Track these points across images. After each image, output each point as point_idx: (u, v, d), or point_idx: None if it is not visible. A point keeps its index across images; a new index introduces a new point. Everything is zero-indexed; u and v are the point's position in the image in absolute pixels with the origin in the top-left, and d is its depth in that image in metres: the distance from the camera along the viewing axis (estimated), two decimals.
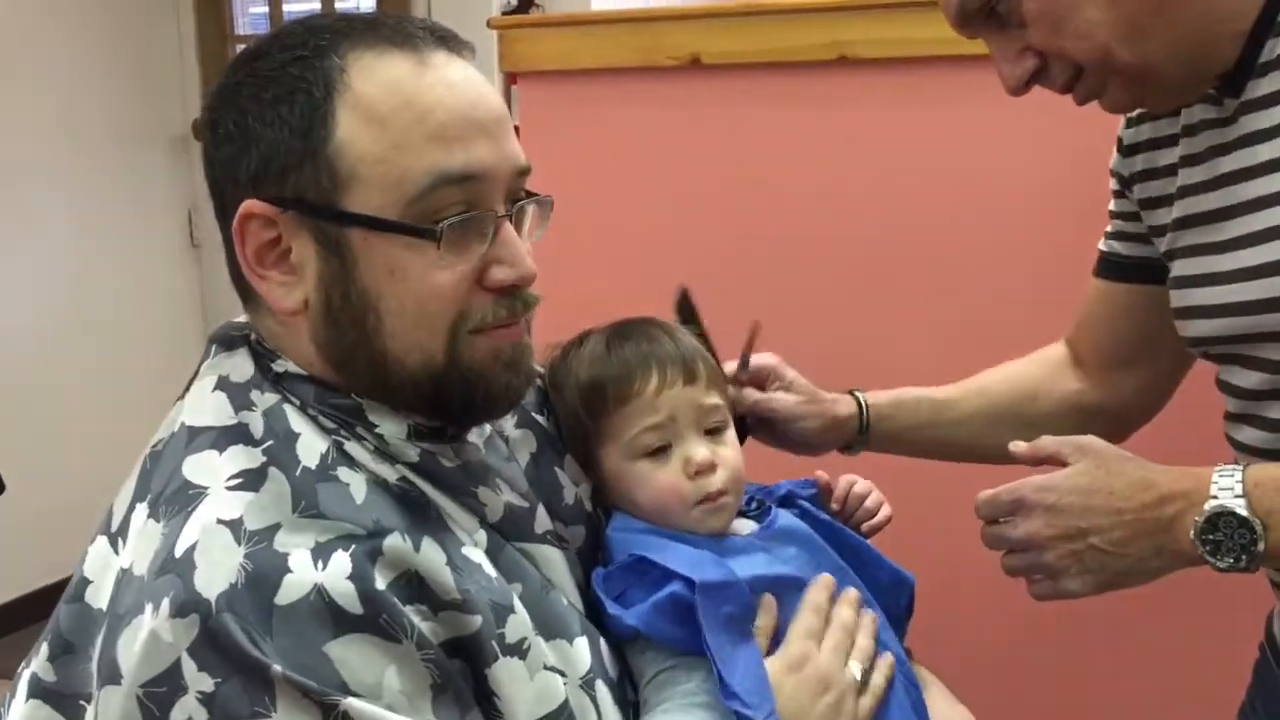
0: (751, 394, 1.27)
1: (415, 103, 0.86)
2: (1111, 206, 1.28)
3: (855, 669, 0.99)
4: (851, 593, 1.05)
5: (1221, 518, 0.94)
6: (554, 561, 0.97)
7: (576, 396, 1.08)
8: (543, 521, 0.98)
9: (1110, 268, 1.29)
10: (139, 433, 0.96)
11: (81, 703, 0.85)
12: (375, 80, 0.86)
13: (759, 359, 1.29)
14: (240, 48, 3.86)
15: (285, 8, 3.74)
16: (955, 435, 1.36)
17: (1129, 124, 1.22)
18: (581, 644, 0.93)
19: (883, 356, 1.88)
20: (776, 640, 1.00)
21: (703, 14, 2.02)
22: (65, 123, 3.52)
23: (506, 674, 0.85)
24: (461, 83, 0.89)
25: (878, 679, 1.01)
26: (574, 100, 2.08)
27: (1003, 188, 1.86)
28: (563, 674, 0.90)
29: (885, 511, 1.21)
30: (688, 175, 2.04)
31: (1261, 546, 0.93)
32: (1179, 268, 1.13)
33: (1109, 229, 1.29)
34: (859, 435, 1.33)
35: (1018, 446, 1.08)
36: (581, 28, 2.15)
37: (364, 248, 0.86)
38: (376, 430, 0.89)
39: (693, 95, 2.02)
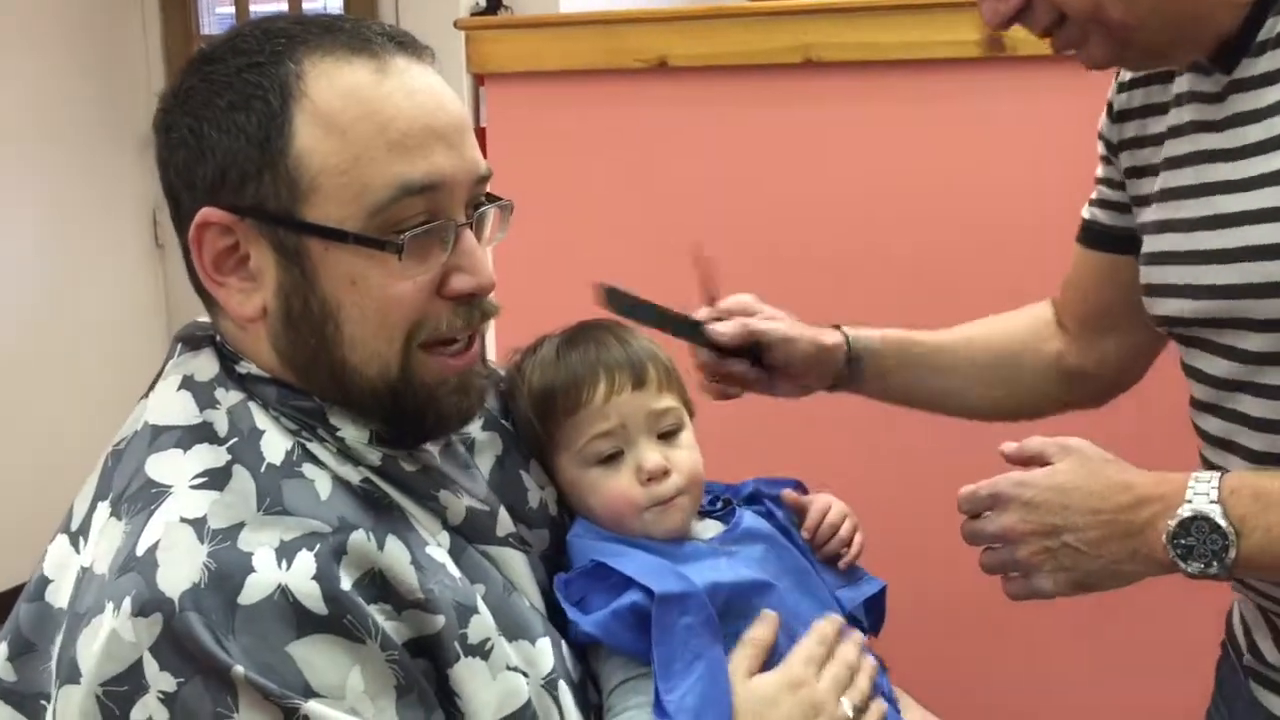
0: (738, 322, 1.26)
1: (376, 112, 0.85)
2: (1098, 172, 1.25)
3: (847, 706, 0.99)
4: (857, 635, 1.04)
5: (1194, 523, 0.93)
6: (515, 564, 0.97)
7: (529, 404, 1.07)
8: (505, 524, 0.98)
9: (1092, 236, 1.27)
10: (102, 432, 0.95)
11: (42, 702, 0.84)
12: (334, 88, 0.85)
13: (735, 299, 1.29)
14: None
15: (252, 8, 3.72)
16: (943, 384, 1.34)
17: (1120, 89, 1.18)
18: (544, 645, 0.93)
19: None
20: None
21: (670, 16, 2.03)
22: (29, 123, 3.48)
23: (468, 674, 0.85)
24: (422, 90, 0.87)
25: None
26: (541, 102, 2.08)
27: (969, 189, 1.88)
28: (525, 674, 0.90)
29: (858, 543, 1.17)
30: (655, 177, 2.05)
31: (1233, 554, 0.92)
32: (1150, 243, 1.11)
33: (1093, 195, 1.26)
34: (845, 368, 1.30)
35: (1007, 447, 1.08)
36: (549, 29, 2.15)
37: (324, 257, 0.86)
38: (338, 434, 0.89)
39: (660, 97, 2.03)
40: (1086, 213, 1.28)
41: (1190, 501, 0.93)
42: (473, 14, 2.50)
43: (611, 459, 1.05)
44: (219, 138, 0.85)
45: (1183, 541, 0.93)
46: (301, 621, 0.78)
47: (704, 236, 2.05)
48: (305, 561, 0.79)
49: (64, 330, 3.60)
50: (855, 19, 1.88)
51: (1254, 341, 1.00)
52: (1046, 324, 1.36)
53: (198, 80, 0.87)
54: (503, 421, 1.08)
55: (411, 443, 0.93)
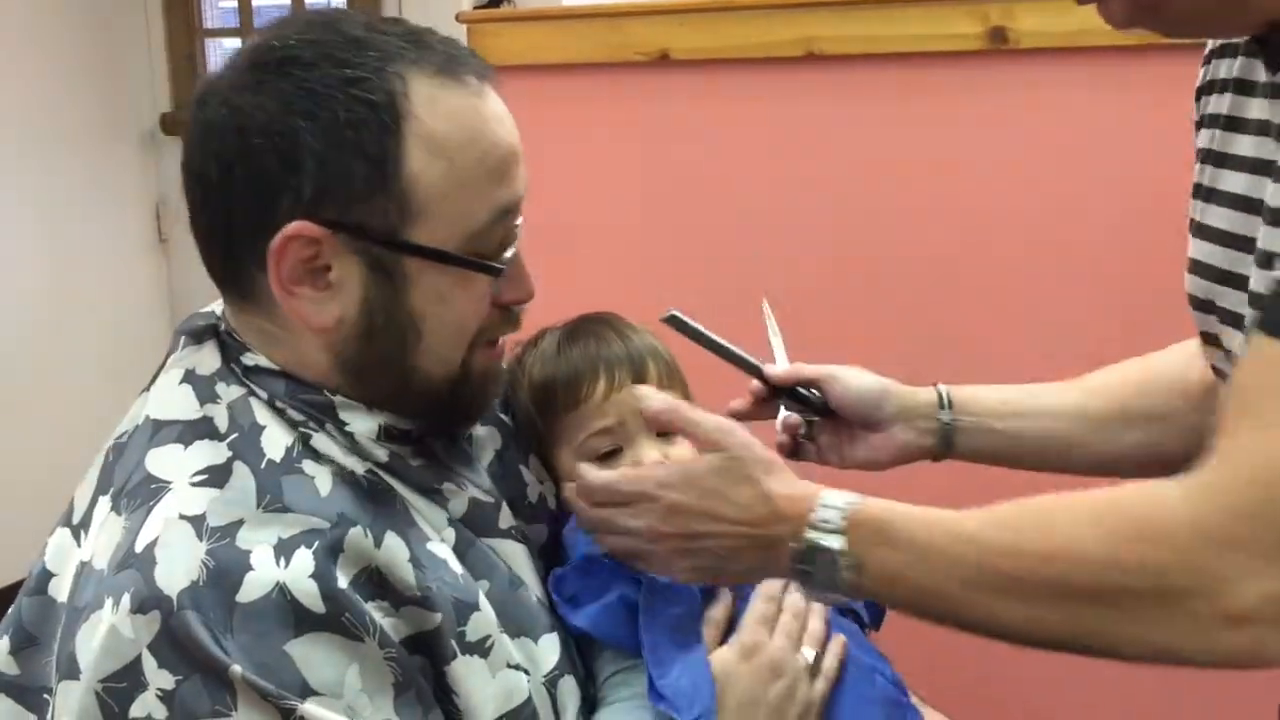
0: (794, 364, 1.17)
1: (478, 140, 0.87)
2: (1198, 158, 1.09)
3: (808, 654, 0.99)
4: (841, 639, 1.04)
5: (816, 552, 0.86)
6: (517, 556, 0.97)
7: (529, 398, 1.07)
8: (506, 517, 0.98)
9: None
10: (104, 427, 0.95)
11: (45, 695, 0.84)
12: (439, 112, 0.85)
13: (814, 368, 1.18)
14: (209, 42, 3.84)
15: (254, 2, 3.72)
16: (1053, 429, 1.16)
17: (1204, 62, 1.04)
18: (547, 641, 0.94)
19: (846, 348, 1.89)
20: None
21: (672, 9, 2.02)
22: (32, 117, 3.48)
23: (466, 671, 0.85)
24: (504, 115, 0.90)
25: (829, 661, 1.01)
26: (543, 95, 2.08)
27: (971, 182, 1.88)
28: (526, 672, 0.90)
29: None
30: (657, 170, 2.05)
31: (848, 582, 0.86)
32: (1191, 210, 1.02)
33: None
34: (941, 426, 1.15)
35: (735, 404, 1.04)
36: (551, 22, 2.15)
37: (418, 275, 0.86)
38: (346, 428, 0.89)
39: (662, 90, 2.03)
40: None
41: (814, 526, 0.87)
42: (475, 7, 2.49)
43: (610, 455, 1.04)
44: (326, 151, 0.83)
45: (801, 567, 0.88)
46: (299, 620, 0.78)
47: (705, 229, 2.06)
48: (303, 559, 0.80)
49: (67, 324, 3.61)
50: (857, 12, 1.88)
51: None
52: (1192, 351, 1.12)
53: (288, 85, 0.84)
54: (501, 416, 1.08)
55: (419, 434, 0.93)
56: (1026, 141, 1.83)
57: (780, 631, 1.00)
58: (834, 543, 0.86)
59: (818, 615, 1.02)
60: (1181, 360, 1.16)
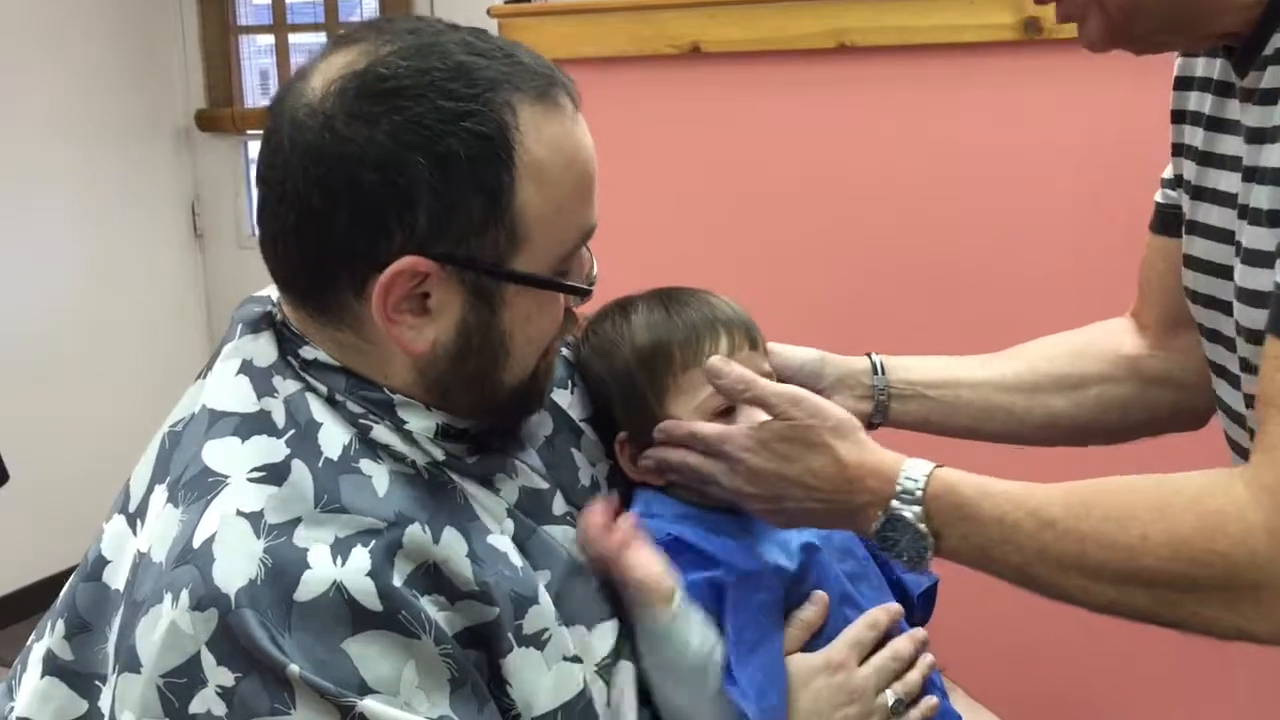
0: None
1: (572, 164, 0.88)
2: (1172, 151, 1.14)
3: (890, 697, 0.99)
4: (920, 633, 1.04)
5: (899, 522, 0.92)
6: (573, 541, 0.98)
7: (634, 360, 1.07)
8: (560, 504, 0.99)
9: (1165, 221, 1.15)
10: (143, 422, 0.96)
11: (97, 683, 0.85)
12: (542, 141, 0.85)
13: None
14: (243, 39, 3.86)
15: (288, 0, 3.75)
16: (990, 400, 1.19)
17: (1181, 55, 1.10)
18: (603, 629, 0.94)
19: (882, 344, 1.88)
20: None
21: (703, 2, 2.02)
22: (68, 115, 3.52)
23: (522, 662, 0.86)
24: (588, 135, 0.90)
25: (914, 715, 1.00)
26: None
27: (1003, 175, 1.86)
28: (578, 660, 0.90)
29: None
30: (688, 163, 2.04)
31: (930, 555, 0.92)
32: (1186, 209, 1.06)
33: (1164, 175, 1.17)
34: (875, 392, 1.18)
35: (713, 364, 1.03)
36: (582, 16, 2.15)
37: (514, 299, 0.87)
38: (405, 426, 0.89)
39: (693, 83, 2.03)
40: (1159, 196, 1.18)
41: (896, 498, 0.92)
42: (506, 1, 2.50)
43: (726, 413, 1.04)
44: (442, 187, 0.82)
45: (889, 535, 0.93)
46: (356, 618, 0.78)
47: (737, 222, 2.06)
48: (360, 557, 0.80)
49: (104, 321, 3.64)
50: (889, 3, 1.87)
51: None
52: (1120, 328, 1.23)
53: (399, 118, 0.82)
54: (552, 398, 1.07)
55: (477, 431, 0.94)
56: (1063, 132, 1.82)
57: (872, 664, 1.00)
58: (914, 514, 0.91)
59: (920, 669, 1.02)
60: (1116, 330, 1.22)
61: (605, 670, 0.92)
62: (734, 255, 2.02)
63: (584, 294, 0.92)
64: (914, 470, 0.92)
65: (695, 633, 0.95)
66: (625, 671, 0.94)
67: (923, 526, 0.91)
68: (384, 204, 0.82)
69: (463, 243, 0.84)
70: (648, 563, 0.95)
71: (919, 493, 0.91)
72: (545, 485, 0.97)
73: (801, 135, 1.97)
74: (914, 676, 1.01)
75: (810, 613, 1.02)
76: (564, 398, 1.08)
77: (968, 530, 0.90)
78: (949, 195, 1.89)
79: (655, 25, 2.02)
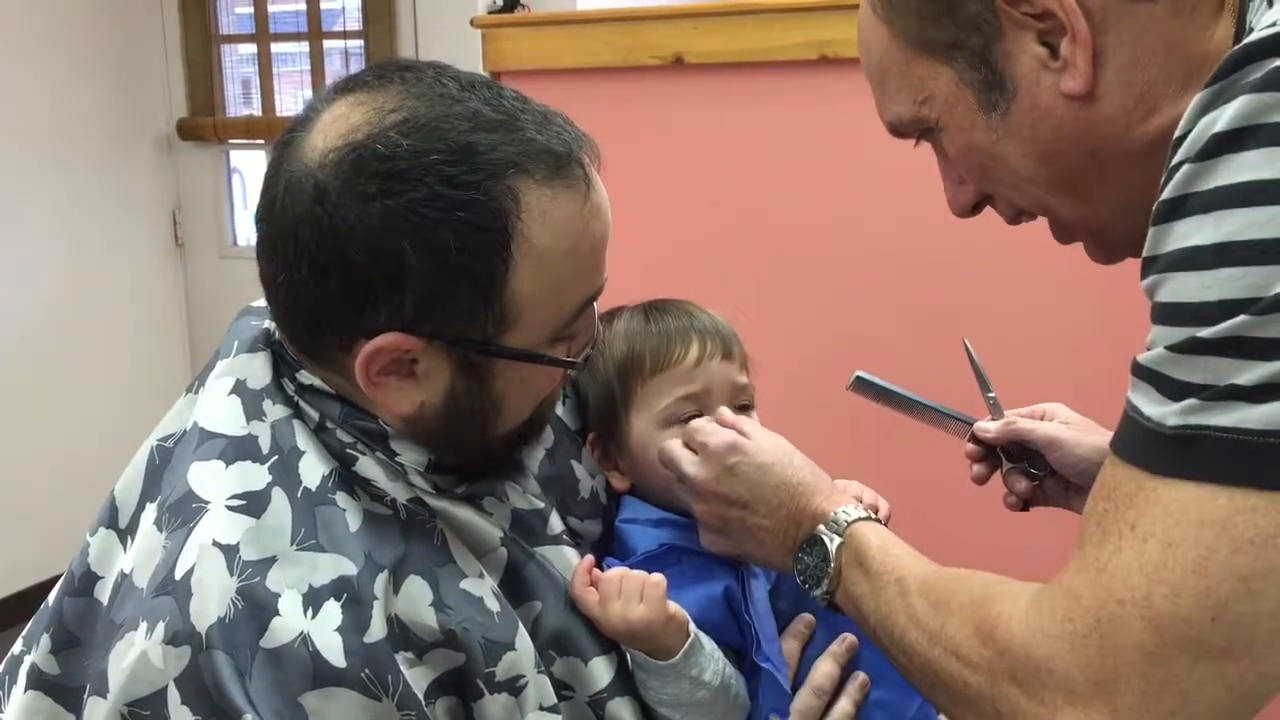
0: (1004, 421, 1.13)
1: (579, 245, 0.85)
2: None
3: None
4: (860, 678, 1.03)
5: (815, 545, 0.91)
6: (571, 562, 0.96)
7: (612, 367, 1.07)
8: (556, 524, 0.97)
9: None
10: (123, 431, 0.96)
11: (84, 697, 0.84)
12: (548, 227, 0.82)
13: (1041, 406, 1.15)
14: (225, 48, 3.85)
15: (270, 8, 3.73)
16: None
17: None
18: (599, 663, 0.92)
19: (865, 352, 1.89)
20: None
21: (685, 14, 2.03)
22: (48, 122, 3.50)
23: (495, 708, 0.85)
24: (604, 202, 0.88)
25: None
26: (558, 99, 2.05)
27: None
28: (570, 690, 0.90)
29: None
30: (671, 174, 2.05)
31: (825, 584, 0.90)
32: None
33: None
34: None
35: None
36: (565, 27, 2.16)
37: (505, 369, 0.86)
38: (397, 459, 0.89)
39: (676, 94, 2.04)
40: None
41: (825, 525, 0.91)
42: (490, 12, 2.50)
43: (689, 421, 1.04)
44: (431, 276, 0.80)
45: (800, 553, 0.93)
46: (319, 673, 0.78)
47: (719, 232, 2.07)
48: (331, 612, 0.79)
49: (84, 330, 3.63)
50: None
51: None
52: None
53: (391, 202, 0.79)
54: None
55: (500, 461, 0.94)
56: None
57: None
58: (832, 546, 0.90)
59: (849, 696, 1.02)
60: None
61: (598, 704, 0.92)
62: (717, 264, 2.03)
63: (575, 368, 0.90)
64: (848, 511, 0.92)
65: (708, 668, 0.95)
66: (625, 707, 0.93)
67: (832, 552, 0.89)
68: (371, 283, 0.81)
69: (450, 325, 0.83)
70: (646, 617, 0.93)
71: (843, 528, 0.90)
72: (540, 504, 0.96)
73: (783, 146, 1.98)
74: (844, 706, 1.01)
75: (802, 625, 1.04)
76: (559, 408, 1.08)
77: (855, 577, 0.88)
78: (932, 204, 1.90)
79: (638, 36, 2.03)
